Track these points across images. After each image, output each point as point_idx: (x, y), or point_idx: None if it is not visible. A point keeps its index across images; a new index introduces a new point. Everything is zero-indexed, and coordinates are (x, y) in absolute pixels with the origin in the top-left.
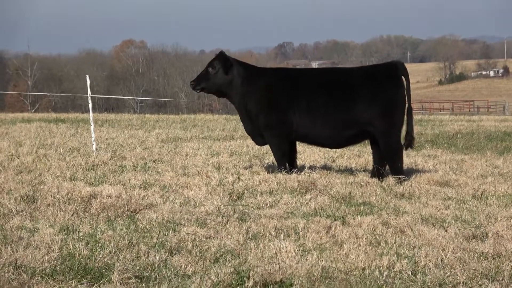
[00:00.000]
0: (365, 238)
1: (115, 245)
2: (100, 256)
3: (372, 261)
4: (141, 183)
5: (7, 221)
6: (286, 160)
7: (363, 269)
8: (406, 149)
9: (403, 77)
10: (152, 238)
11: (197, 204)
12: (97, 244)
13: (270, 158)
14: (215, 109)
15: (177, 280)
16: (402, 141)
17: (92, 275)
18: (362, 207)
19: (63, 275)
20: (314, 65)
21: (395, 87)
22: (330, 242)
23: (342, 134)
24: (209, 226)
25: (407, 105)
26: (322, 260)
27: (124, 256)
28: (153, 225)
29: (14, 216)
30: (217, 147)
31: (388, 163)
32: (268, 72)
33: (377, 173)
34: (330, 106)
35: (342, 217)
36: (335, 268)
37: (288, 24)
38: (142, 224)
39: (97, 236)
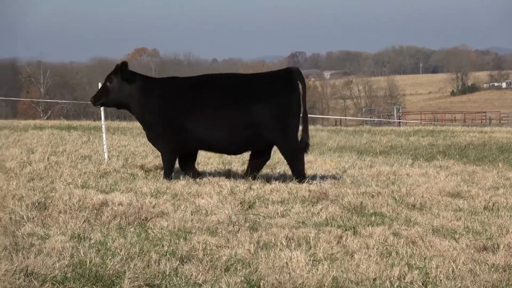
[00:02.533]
0: (376, 249)
1: (126, 253)
2: (111, 263)
3: (383, 271)
4: (152, 191)
5: (19, 228)
6: (173, 169)
7: (374, 279)
8: None
9: (299, 82)
10: (163, 246)
11: (208, 212)
12: (108, 252)
13: (282, 168)
14: None
15: None
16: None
17: (103, 282)
18: (373, 218)
19: (74, 282)
20: (326, 74)
21: (289, 92)
22: (341, 252)
23: (237, 139)
24: (220, 235)
25: (302, 110)
26: (333, 270)
27: (135, 264)
28: (164, 233)
29: (26, 223)
30: (228, 156)
31: (289, 166)
32: (163, 82)
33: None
34: (224, 111)
35: (353, 227)
36: (346, 278)
37: (300, 33)
38: (153, 232)
39: (108, 244)
